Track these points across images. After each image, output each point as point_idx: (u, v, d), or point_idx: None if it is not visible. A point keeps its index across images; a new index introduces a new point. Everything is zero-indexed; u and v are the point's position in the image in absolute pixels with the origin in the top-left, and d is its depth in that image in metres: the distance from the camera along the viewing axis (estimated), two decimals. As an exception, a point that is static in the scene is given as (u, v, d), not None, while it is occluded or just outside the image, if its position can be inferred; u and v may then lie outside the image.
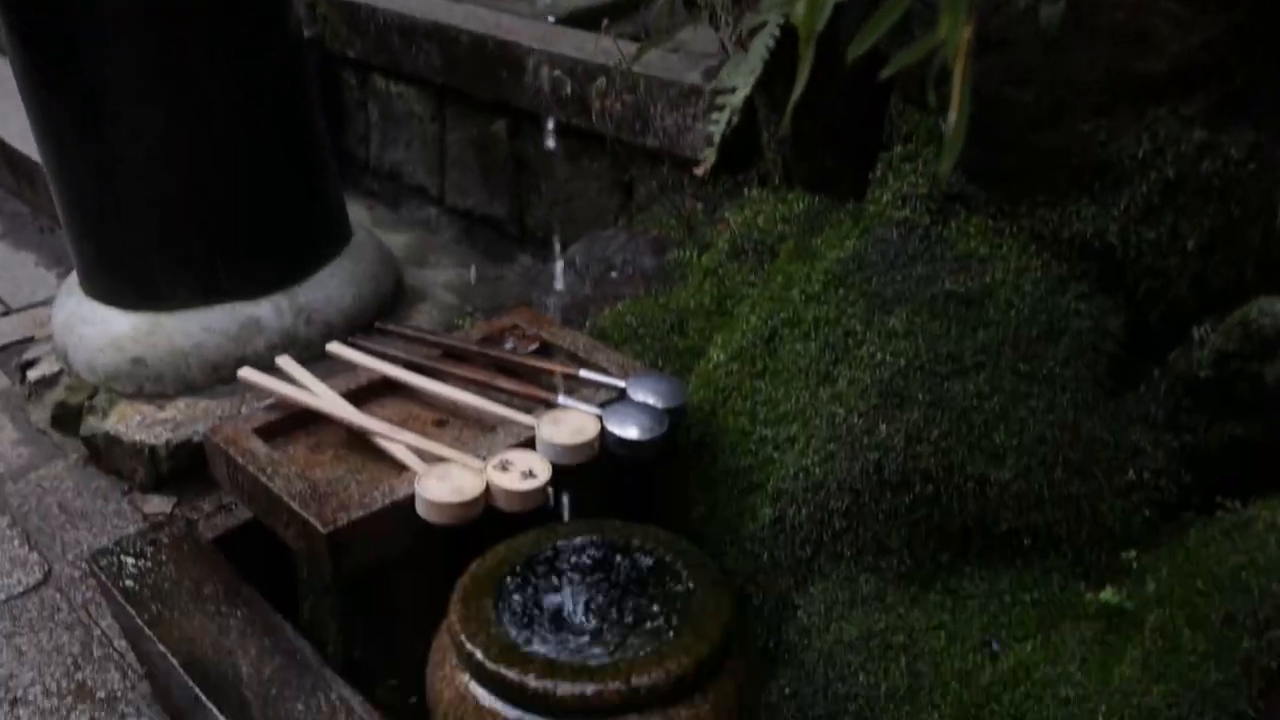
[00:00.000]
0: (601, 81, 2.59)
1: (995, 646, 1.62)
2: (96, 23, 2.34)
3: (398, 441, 1.76)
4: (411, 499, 1.63)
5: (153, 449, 2.47)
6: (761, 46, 1.26)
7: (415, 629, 1.72)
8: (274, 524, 1.73)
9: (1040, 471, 1.62)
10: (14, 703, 1.98)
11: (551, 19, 3.10)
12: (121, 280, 2.62)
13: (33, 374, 2.80)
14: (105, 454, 2.55)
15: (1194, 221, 1.54)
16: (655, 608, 1.50)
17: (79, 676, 2.04)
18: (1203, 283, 1.59)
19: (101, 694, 2.00)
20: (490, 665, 1.35)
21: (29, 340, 3.05)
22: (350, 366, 2.00)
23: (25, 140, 3.65)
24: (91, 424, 2.57)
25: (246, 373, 1.93)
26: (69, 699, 1.99)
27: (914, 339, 1.68)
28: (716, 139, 1.28)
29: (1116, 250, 1.61)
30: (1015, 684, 1.57)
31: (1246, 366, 1.53)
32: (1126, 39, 1.43)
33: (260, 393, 1.98)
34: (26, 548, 2.36)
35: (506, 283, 3.15)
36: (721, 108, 1.30)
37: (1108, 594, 1.58)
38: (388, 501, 1.64)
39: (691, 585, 1.50)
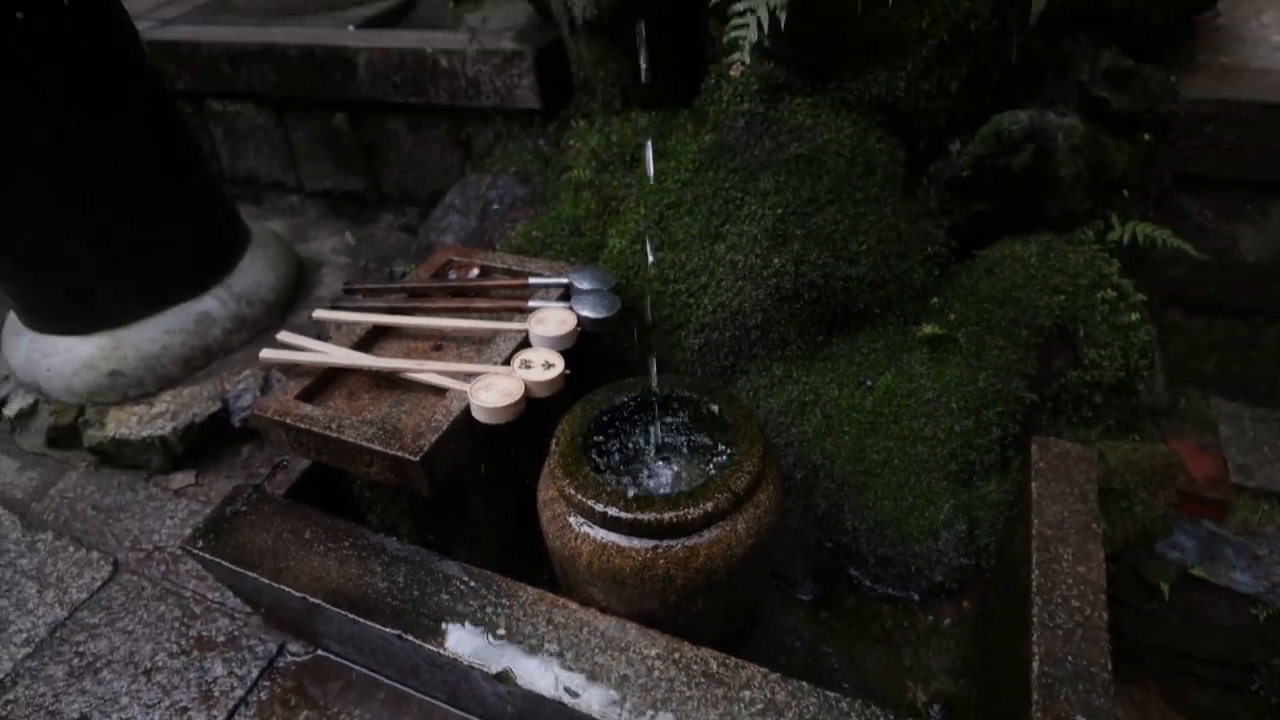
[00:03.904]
0: (432, 61, 2.05)
1: (869, 382, 1.54)
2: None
3: (429, 371, 1.35)
4: (467, 412, 1.27)
5: (163, 439, 1.83)
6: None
7: (483, 504, 1.44)
8: (351, 466, 1.29)
9: (881, 263, 1.50)
10: (148, 673, 1.44)
11: (351, 27, 2.43)
12: (73, 312, 1.86)
13: (8, 410, 1.99)
14: (116, 455, 1.87)
15: (955, 71, 1.39)
16: (709, 432, 1.26)
17: (193, 632, 1.51)
18: (955, 115, 1.46)
19: (221, 638, 1.50)
20: (626, 515, 1.06)
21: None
22: (331, 325, 1.53)
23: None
24: (93, 435, 1.87)
25: (267, 354, 1.40)
26: (194, 652, 1.47)
27: (782, 193, 1.46)
28: (747, 43, 0.93)
29: (901, 102, 1.45)
30: (889, 400, 1.50)
31: (996, 162, 1.44)
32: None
33: (266, 365, 1.45)
34: (84, 550, 1.70)
35: (379, 237, 2.57)
36: (743, 14, 0.94)
37: (929, 328, 1.52)
38: (451, 419, 1.26)
39: (725, 411, 1.24)
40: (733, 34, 0.94)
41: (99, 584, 1.62)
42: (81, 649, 1.48)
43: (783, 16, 0.89)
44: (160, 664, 1.45)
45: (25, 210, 1.69)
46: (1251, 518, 1.41)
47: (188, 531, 1.37)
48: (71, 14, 1.59)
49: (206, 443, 1.88)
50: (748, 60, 0.94)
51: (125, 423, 1.86)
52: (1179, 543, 1.40)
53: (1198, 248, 1.45)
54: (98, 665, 1.45)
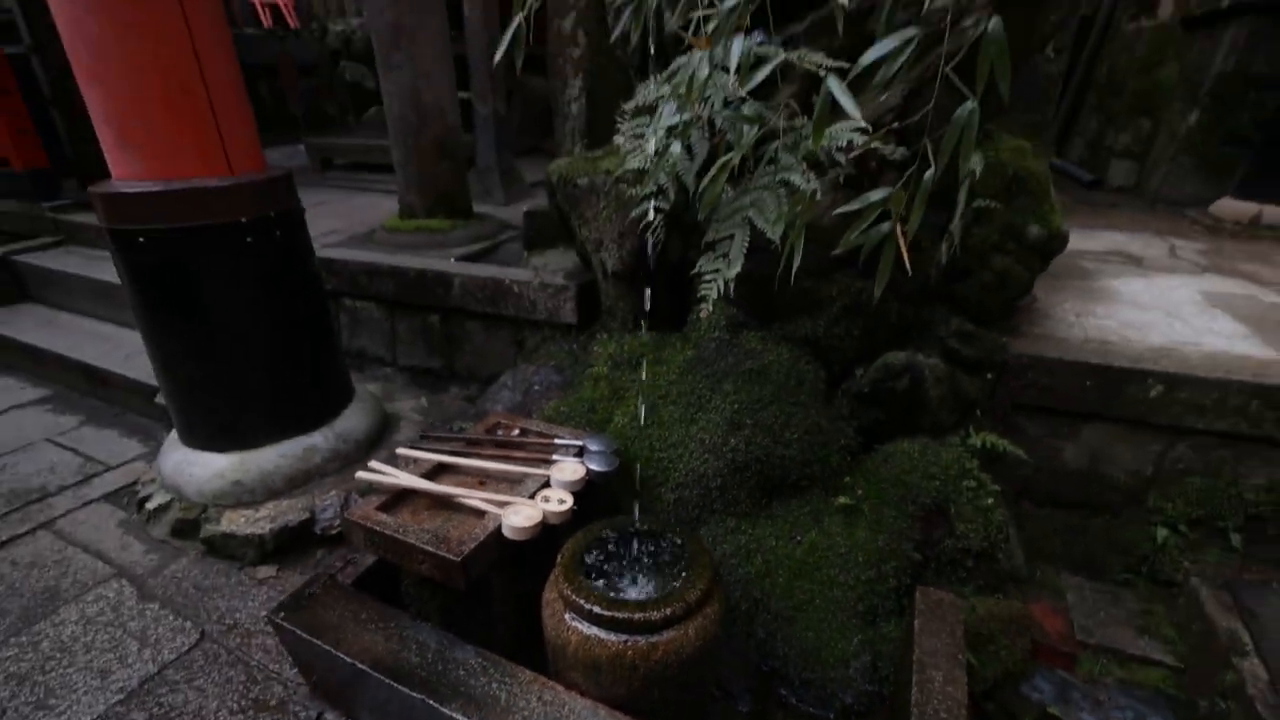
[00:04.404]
0: (506, 287, 2.44)
1: (798, 537, 1.64)
2: (212, 301, 1.90)
3: (474, 498, 1.52)
4: (499, 529, 1.42)
5: (260, 536, 1.97)
6: (739, 246, 1.22)
7: (503, 605, 1.52)
8: (408, 564, 1.42)
9: (808, 448, 1.67)
10: (212, 728, 1.48)
11: (453, 259, 2.89)
12: (219, 435, 2.09)
13: (149, 505, 2.15)
14: (221, 546, 2.00)
15: (855, 323, 1.69)
16: (673, 559, 1.37)
17: (252, 695, 1.56)
18: (858, 351, 1.74)
19: (273, 702, 1.54)
20: (606, 613, 1.18)
21: (132, 485, 2.34)
22: (406, 460, 1.69)
23: (101, 359, 2.87)
24: (209, 529, 2.01)
25: (362, 474, 1.59)
26: (250, 711, 1.52)
27: (739, 394, 1.70)
28: (712, 298, 1.21)
29: (821, 340, 1.72)
30: (812, 552, 1.62)
31: (884, 385, 1.70)
32: (823, 242, 1.54)
33: (359, 483, 1.62)
34: (180, 619, 1.78)
35: (446, 404, 2.82)
36: (709, 281, 1.24)
37: (843, 499, 1.65)
38: (486, 534, 1.41)
39: (686, 545, 1.37)
40: (702, 292, 1.24)
41: (186, 648, 1.69)
42: (162, 700, 1.53)
43: (732, 285, 1.19)
44: (221, 718, 1.50)
45: (217, 371, 1.97)
46: (1094, 669, 1.49)
47: (264, 612, 1.48)
48: (280, 239, 2.00)
49: (292, 544, 2.00)
50: (712, 309, 1.22)
51: (235, 521, 2.01)
52: (1039, 686, 1.47)
53: (1033, 455, 1.65)
54: (172, 715, 1.50)
